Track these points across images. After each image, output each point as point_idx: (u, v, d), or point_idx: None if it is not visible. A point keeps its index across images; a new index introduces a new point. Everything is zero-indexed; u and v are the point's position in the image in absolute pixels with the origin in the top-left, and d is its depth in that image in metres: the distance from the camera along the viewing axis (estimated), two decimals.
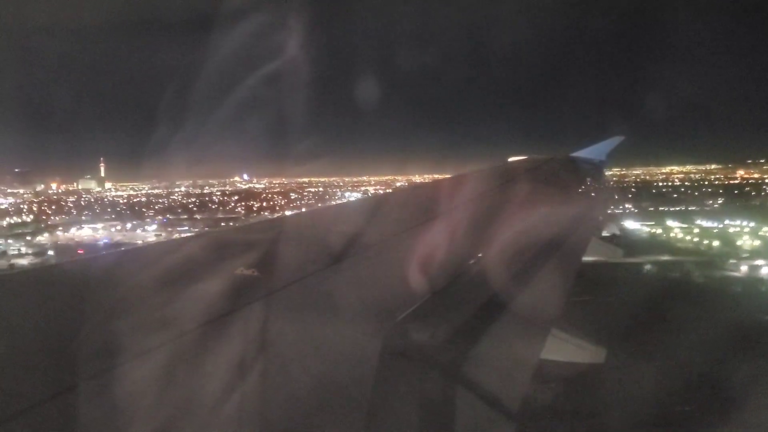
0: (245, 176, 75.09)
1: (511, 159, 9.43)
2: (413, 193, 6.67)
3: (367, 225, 3.80)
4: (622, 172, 57.35)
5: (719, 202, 46.34)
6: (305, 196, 59.49)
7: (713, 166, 60.23)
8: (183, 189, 71.04)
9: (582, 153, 9.69)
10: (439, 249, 3.34)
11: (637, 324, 13.07)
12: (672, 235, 37.82)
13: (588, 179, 8.69)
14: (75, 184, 77.10)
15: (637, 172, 60.89)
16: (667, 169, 64.52)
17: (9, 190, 69.19)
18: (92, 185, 75.85)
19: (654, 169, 63.18)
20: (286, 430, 1.72)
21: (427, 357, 2.37)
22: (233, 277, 2.62)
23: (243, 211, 51.33)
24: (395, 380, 2.10)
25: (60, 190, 73.82)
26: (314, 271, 2.91)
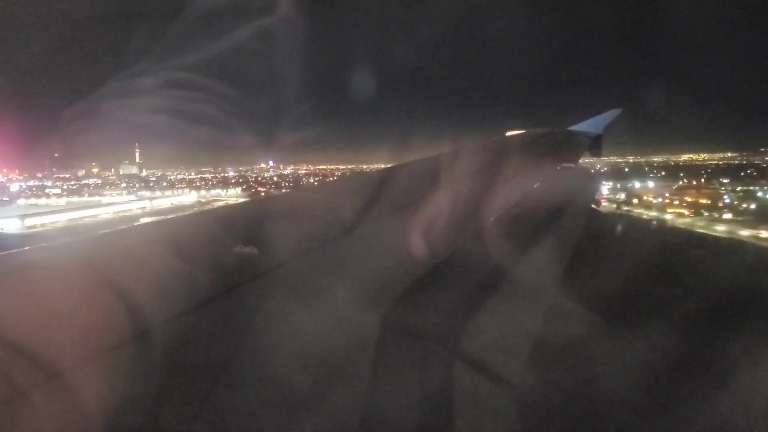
0: (271, 163, 77.68)
1: (509, 133, 9.65)
2: (413, 168, 6.77)
3: (372, 199, 3.92)
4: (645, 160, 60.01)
5: None
6: None
7: (729, 154, 61.62)
8: (232, 173, 75.70)
9: (580, 126, 9.82)
10: (440, 221, 3.44)
11: None
12: None
13: (586, 151, 8.99)
14: (113, 169, 79.85)
15: (657, 160, 62.97)
16: (685, 157, 64.90)
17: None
18: (133, 170, 78.26)
19: (672, 158, 64.35)
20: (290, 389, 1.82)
21: (426, 329, 2.44)
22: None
23: None
24: (395, 351, 2.17)
25: (108, 174, 76.79)
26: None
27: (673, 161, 63.96)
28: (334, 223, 3.30)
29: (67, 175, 74.21)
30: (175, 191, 53.69)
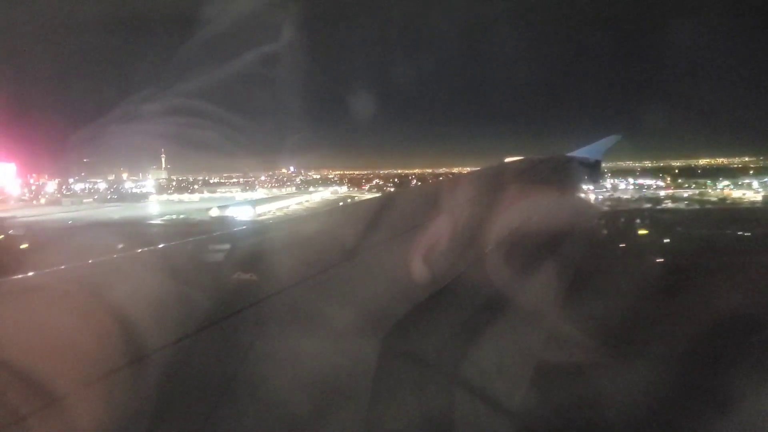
0: (292, 168, 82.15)
1: (508, 159, 9.68)
2: (411, 194, 6.54)
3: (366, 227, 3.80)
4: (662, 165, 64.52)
5: None
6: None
7: (746, 158, 65.68)
8: (263, 177, 79.16)
9: (578, 152, 9.85)
10: (439, 248, 3.43)
11: None
12: None
13: (585, 178, 9.14)
14: (140, 174, 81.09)
15: (677, 164, 67.16)
16: (703, 161, 70.42)
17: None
18: (162, 175, 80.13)
19: (692, 162, 69.06)
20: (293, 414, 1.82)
21: (427, 356, 2.46)
22: None
23: None
24: (396, 377, 2.21)
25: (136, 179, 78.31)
26: None
27: (698, 165, 68.46)
28: (339, 247, 3.24)
29: (98, 180, 75.61)
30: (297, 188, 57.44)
